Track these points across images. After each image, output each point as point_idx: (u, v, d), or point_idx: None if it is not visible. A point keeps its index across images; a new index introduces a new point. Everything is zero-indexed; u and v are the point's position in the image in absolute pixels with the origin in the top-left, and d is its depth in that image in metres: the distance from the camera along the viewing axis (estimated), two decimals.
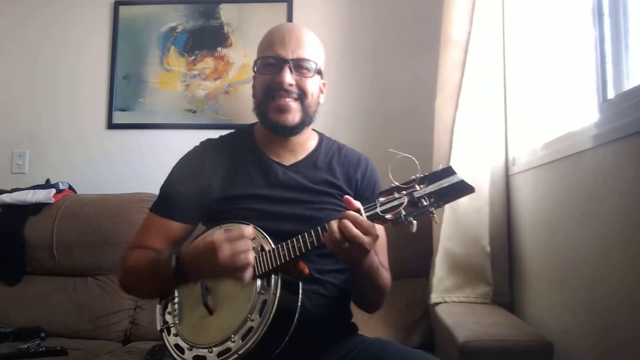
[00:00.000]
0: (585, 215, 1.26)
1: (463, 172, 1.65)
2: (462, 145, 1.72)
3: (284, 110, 1.19)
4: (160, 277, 1.07)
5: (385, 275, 1.18)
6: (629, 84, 1.19)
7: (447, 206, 1.70)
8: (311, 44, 1.23)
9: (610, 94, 1.24)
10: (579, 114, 1.46)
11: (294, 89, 1.19)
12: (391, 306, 1.76)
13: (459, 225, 1.72)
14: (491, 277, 1.74)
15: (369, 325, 1.65)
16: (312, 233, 1.00)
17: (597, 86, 1.29)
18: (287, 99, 1.19)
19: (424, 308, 1.82)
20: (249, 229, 0.99)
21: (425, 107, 1.98)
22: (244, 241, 0.97)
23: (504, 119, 1.90)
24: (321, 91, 1.27)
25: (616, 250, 1.11)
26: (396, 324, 1.75)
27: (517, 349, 1.29)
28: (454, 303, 1.70)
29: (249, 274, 0.97)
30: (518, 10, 1.85)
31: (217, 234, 0.99)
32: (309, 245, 1.00)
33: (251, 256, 0.97)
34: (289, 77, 1.18)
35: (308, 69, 1.20)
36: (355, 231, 0.95)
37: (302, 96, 1.20)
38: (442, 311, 1.63)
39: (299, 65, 1.20)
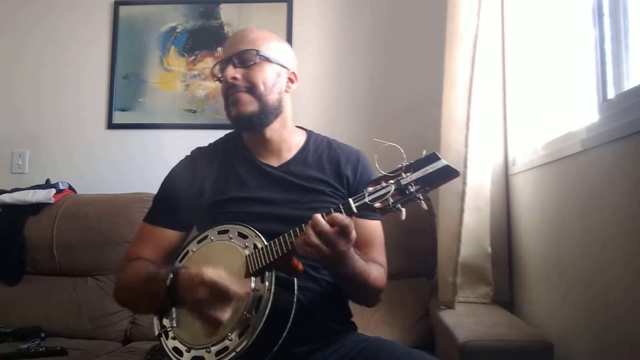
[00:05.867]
0: (585, 215, 1.26)
1: (481, 171, 1.65)
2: (475, 144, 1.69)
3: (235, 102, 1.20)
4: (155, 295, 1.07)
5: (375, 273, 1.15)
6: (629, 84, 1.19)
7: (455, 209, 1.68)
8: (256, 37, 1.23)
9: (610, 94, 1.24)
10: (579, 114, 1.46)
11: (241, 82, 1.20)
12: (391, 306, 1.76)
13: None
14: (491, 277, 1.74)
15: (368, 325, 1.65)
16: (304, 227, 1.00)
17: (597, 86, 1.29)
18: (237, 93, 1.20)
19: (424, 308, 1.82)
20: (242, 293, 0.99)
21: (427, 103, 1.97)
22: (227, 299, 0.98)
23: (503, 118, 1.89)
24: (290, 81, 1.27)
25: (616, 250, 1.11)
26: (396, 324, 1.75)
27: (517, 349, 1.29)
28: None
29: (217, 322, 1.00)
30: (518, 9, 1.85)
31: (211, 271, 0.99)
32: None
33: (225, 316, 0.99)
34: (231, 72, 1.19)
35: (250, 59, 1.20)
36: (328, 228, 0.95)
37: (251, 88, 1.20)
38: (442, 311, 1.62)
39: (241, 59, 1.20)
